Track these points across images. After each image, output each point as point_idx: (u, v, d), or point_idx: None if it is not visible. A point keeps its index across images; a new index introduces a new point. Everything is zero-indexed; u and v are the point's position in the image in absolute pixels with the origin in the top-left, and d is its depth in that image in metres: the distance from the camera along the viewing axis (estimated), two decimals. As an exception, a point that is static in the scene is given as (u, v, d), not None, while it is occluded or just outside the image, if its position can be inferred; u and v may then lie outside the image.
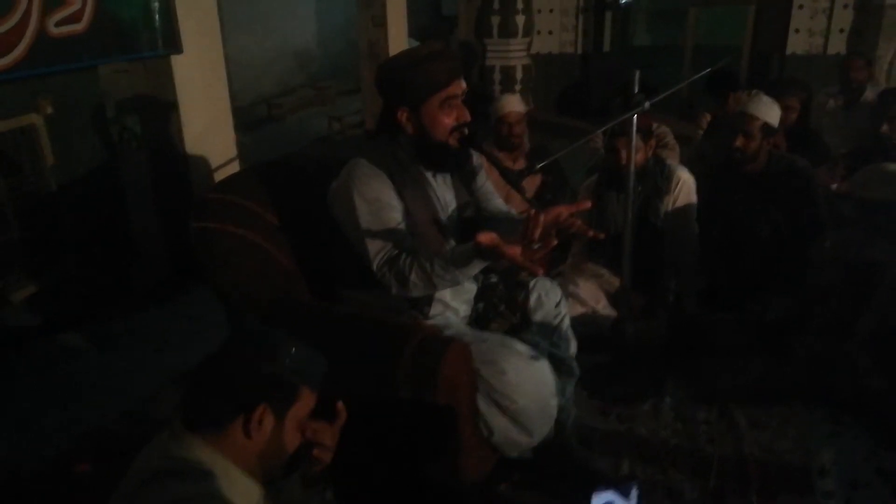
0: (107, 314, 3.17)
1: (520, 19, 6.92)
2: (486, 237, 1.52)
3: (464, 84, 1.80)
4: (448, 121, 1.77)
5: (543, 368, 1.80)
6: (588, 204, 1.81)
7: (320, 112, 8.29)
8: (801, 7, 6.04)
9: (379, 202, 1.73)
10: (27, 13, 2.61)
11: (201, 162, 3.52)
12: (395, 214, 1.75)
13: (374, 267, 1.72)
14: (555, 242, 1.56)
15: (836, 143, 3.88)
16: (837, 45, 5.87)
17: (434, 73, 1.72)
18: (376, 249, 1.72)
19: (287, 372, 1.18)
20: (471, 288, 2.01)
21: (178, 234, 2.01)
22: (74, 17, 2.81)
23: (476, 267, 1.66)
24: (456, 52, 1.89)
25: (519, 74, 7.07)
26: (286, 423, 1.20)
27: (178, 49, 3.25)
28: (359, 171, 1.76)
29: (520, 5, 6.89)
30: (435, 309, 1.90)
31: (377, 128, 1.89)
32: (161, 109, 3.40)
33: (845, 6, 5.86)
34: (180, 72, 3.33)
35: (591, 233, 1.70)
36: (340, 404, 1.32)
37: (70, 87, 3.12)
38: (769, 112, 2.81)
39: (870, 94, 4.15)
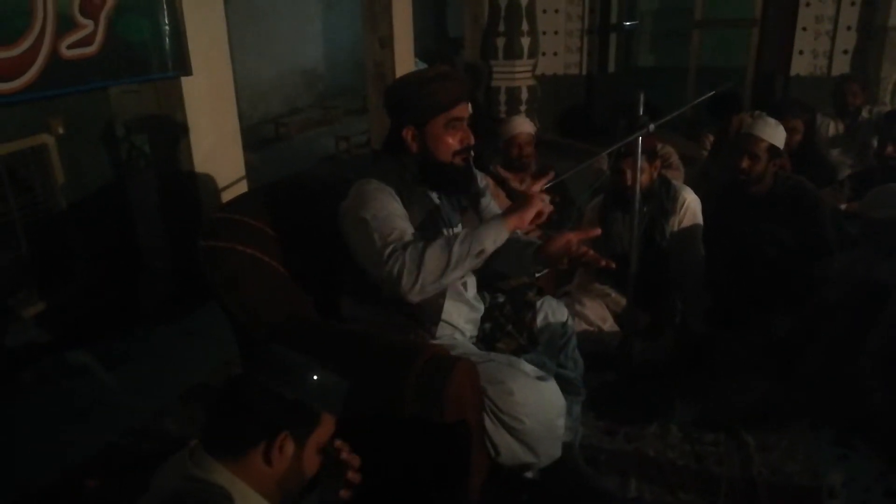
0: (115, 331, 3.18)
1: (525, 41, 6.99)
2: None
3: (470, 108, 1.83)
4: (452, 141, 1.79)
5: (551, 389, 1.80)
6: (598, 231, 1.82)
7: (327, 132, 8.36)
8: (804, 29, 6.08)
9: (387, 211, 1.72)
10: (40, 36, 2.65)
11: (210, 181, 3.55)
12: (404, 224, 1.73)
13: (385, 255, 1.63)
14: (564, 266, 1.59)
15: (837, 164, 3.90)
16: (841, 67, 5.89)
17: (441, 94, 1.75)
18: (385, 240, 1.65)
19: (310, 399, 1.18)
20: (478, 307, 2.01)
21: (187, 253, 2.02)
22: (86, 41, 2.85)
23: (498, 233, 1.64)
24: (463, 75, 1.91)
25: (524, 95, 7.12)
26: (306, 449, 1.20)
27: (187, 71, 3.29)
28: (367, 187, 1.77)
29: (525, 27, 6.96)
30: (442, 330, 1.90)
31: (383, 148, 1.90)
32: (170, 130, 3.44)
33: (849, 28, 5.90)
34: (190, 93, 3.37)
35: (603, 262, 1.72)
36: (339, 443, 1.31)
37: (81, 108, 3.16)
38: (774, 134, 2.83)
39: (865, 114, 4.19)
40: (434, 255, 1.60)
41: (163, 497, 1.10)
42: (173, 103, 3.38)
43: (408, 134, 1.79)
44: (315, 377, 1.20)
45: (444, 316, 1.88)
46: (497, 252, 1.88)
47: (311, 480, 1.27)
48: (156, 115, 3.45)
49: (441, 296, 1.87)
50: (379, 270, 1.65)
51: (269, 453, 1.15)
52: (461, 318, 1.95)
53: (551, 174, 1.91)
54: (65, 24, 2.75)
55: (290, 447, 1.17)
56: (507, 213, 1.69)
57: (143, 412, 2.55)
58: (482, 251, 1.64)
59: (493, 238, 1.65)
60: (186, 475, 1.13)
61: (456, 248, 1.61)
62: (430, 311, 1.87)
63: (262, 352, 1.25)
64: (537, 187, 1.72)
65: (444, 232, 1.88)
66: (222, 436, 1.16)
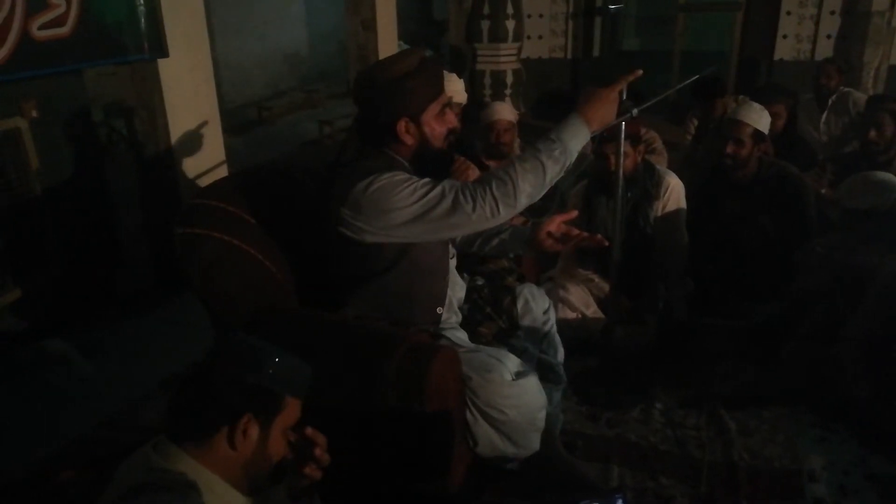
0: (92, 320, 3.13)
1: (510, 24, 6.94)
2: None
3: (465, 95, 1.80)
4: (443, 128, 1.75)
5: (534, 382, 1.79)
6: (574, 213, 1.83)
7: (310, 115, 8.27)
8: (788, 13, 6.08)
9: (414, 179, 1.64)
10: (10, 16, 2.59)
11: (189, 166, 3.49)
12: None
13: (463, 202, 1.57)
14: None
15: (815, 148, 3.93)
16: (825, 51, 5.91)
17: (433, 81, 1.71)
18: (446, 193, 1.59)
19: (271, 381, 1.17)
20: (463, 286, 2.02)
21: (165, 240, 1.99)
22: (59, 21, 2.79)
23: (582, 137, 1.62)
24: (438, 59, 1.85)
25: (509, 79, 7.08)
26: (271, 433, 1.19)
27: (164, 53, 3.23)
28: (376, 181, 1.64)
29: (510, 10, 6.91)
30: (447, 312, 1.89)
31: (365, 143, 1.77)
32: (148, 113, 3.37)
33: (832, 12, 5.91)
34: (167, 75, 3.31)
35: (598, 237, 1.75)
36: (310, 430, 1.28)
37: (55, 91, 3.09)
38: (759, 118, 2.83)
39: (835, 97, 4.21)
40: (528, 177, 1.56)
41: (124, 490, 1.09)
42: (150, 86, 3.31)
43: (402, 126, 1.70)
44: (276, 360, 1.19)
45: (449, 293, 1.88)
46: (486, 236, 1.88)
47: (281, 472, 1.25)
48: (133, 98, 3.38)
49: (444, 276, 1.86)
50: (467, 220, 1.59)
51: (232, 437, 1.14)
52: (454, 297, 1.94)
53: None
54: (36, 3, 2.68)
55: (254, 431, 1.16)
56: (584, 111, 1.62)
57: (121, 402, 2.51)
58: (570, 161, 1.63)
59: (579, 145, 1.61)
60: (149, 466, 1.12)
61: (549, 165, 1.57)
62: (437, 295, 1.86)
63: (224, 339, 1.25)
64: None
65: None
66: (185, 423, 1.16)
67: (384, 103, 1.69)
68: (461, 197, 1.57)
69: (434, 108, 1.72)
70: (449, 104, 1.77)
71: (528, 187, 1.57)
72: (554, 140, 1.60)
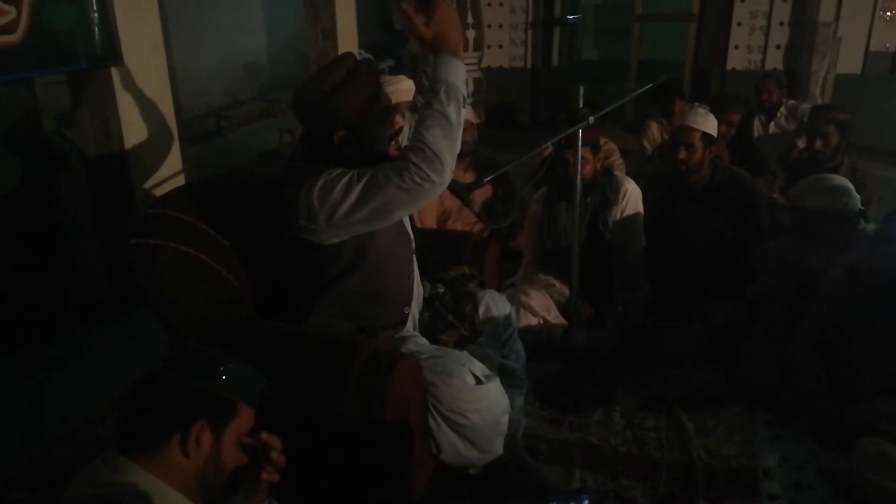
0: (45, 336, 3.04)
1: (470, 34, 7.01)
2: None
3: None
4: (389, 131, 1.77)
5: (496, 386, 1.80)
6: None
7: (270, 125, 8.19)
8: (739, 24, 6.26)
9: (352, 169, 1.66)
10: (-44, 23, 2.52)
11: (145, 177, 3.42)
12: None
13: (399, 179, 1.58)
14: None
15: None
16: (774, 61, 6.11)
17: (363, 88, 1.70)
18: (383, 173, 1.60)
19: (223, 388, 1.18)
20: (422, 290, 2.03)
21: (120, 252, 1.95)
22: (8, 28, 2.71)
23: (459, 69, 1.64)
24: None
25: (470, 88, 7.10)
26: (224, 441, 1.19)
27: (117, 61, 3.16)
28: (317, 181, 1.65)
29: (470, 20, 6.98)
30: (412, 312, 1.90)
31: (310, 157, 1.77)
32: (101, 123, 3.30)
33: (781, 23, 6.10)
34: (121, 84, 3.24)
35: None
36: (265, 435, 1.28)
37: (4, 100, 3.01)
38: (706, 122, 2.91)
39: (783, 109, 4.34)
40: (436, 132, 1.57)
41: None
42: (103, 95, 3.23)
43: (339, 138, 1.70)
44: (229, 366, 1.20)
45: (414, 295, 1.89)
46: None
47: (236, 482, 1.24)
48: (85, 107, 3.30)
49: (409, 275, 1.87)
50: (406, 195, 1.60)
51: (185, 444, 1.14)
52: (417, 300, 1.95)
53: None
54: (-17, 11, 2.61)
55: (207, 438, 1.16)
56: (444, 46, 1.62)
57: (75, 420, 2.44)
58: (462, 93, 1.64)
59: (461, 73, 1.63)
60: (99, 480, 1.11)
61: (447, 109, 1.58)
62: (403, 293, 1.86)
63: (176, 348, 1.26)
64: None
65: None
66: (136, 433, 1.15)
67: (318, 119, 1.71)
68: (393, 176, 1.58)
69: (371, 114, 1.72)
70: (393, 106, 1.78)
71: (444, 140, 1.57)
72: (437, 87, 1.60)
